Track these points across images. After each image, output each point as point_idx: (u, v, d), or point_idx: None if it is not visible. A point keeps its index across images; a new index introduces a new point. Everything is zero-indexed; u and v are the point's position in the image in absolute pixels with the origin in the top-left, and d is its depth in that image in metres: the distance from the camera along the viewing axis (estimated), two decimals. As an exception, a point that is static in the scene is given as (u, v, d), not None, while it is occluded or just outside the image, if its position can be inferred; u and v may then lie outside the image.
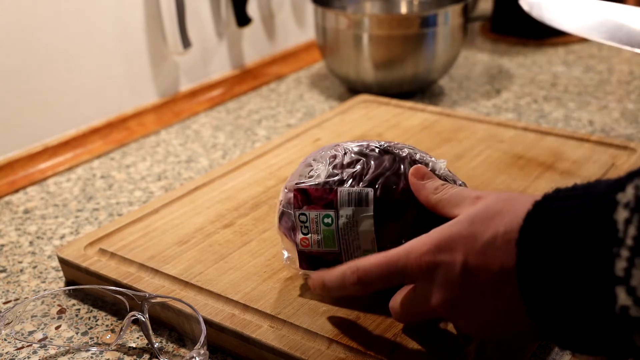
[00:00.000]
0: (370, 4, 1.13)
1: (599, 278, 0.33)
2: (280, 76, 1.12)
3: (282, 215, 0.52)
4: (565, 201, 0.36)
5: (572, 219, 0.34)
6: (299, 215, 0.49)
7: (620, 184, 0.34)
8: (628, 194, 0.33)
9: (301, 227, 0.49)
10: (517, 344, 0.46)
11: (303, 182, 0.50)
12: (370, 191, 0.48)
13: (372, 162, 0.49)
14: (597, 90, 0.99)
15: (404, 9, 1.12)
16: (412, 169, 0.48)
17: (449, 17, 0.95)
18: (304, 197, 0.49)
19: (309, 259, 0.50)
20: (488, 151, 0.74)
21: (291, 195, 0.50)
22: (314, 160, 0.52)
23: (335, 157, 0.51)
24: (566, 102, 0.95)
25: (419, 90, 0.99)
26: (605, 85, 1.00)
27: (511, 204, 0.39)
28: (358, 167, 0.49)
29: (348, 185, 0.49)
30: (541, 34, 1.19)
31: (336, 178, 0.49)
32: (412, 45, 0.94)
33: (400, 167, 0.49)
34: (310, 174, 0.51)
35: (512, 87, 1.02)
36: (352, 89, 1.02)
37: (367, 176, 0.49)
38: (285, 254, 0.52)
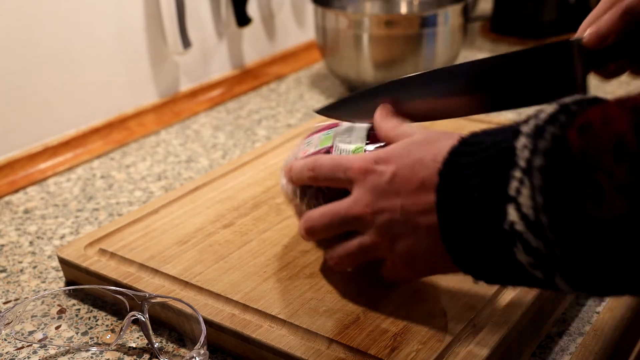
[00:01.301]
0: (370, 4, 1.13)
1: (496, 199, 0.37)
2: (280, 76, 1.12)
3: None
4: (480, 137, 0.40)
5: (482, 150, 0.39)
6: (304, 144, 0.56)
7: (526, 119, 0.38)
8: (530, 124, 0.37)
9: (305, 146, 0.56)
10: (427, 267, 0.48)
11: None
12: (367, 125, 0.55)
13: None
14: (597, 90, 0.99)
15: (404, 9, 1.12)
16: (378, 108, 0.53)
17: (449, 17, 0.95)
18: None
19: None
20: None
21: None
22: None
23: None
24: (566, 102, 0.95)
25: (419, 90, 0.99)
26: (605, 85, 1.00)
27: (445, 137, 0.44)
28: None
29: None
30: (541, 34, 1.19)
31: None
32: (412, 45, 0.94)
33: None
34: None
35: (512, 87, 1.02)
36: (352, 89, 1.02)
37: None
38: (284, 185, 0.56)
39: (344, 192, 0.49)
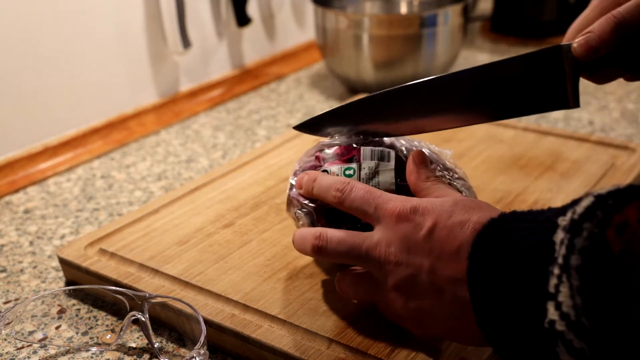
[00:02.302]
0: (370, 4, 1.13)
1: (535, 294, 0.35)
2: (280, 76, 1.12)
3: (289, 202, 0.53)
4: (516, 223, 0.39)
5: (519, 239, 0.37)
6: (326, 157, 0.52)
7: (563, 209, 0.36)
8: (567, 217, 0.35)
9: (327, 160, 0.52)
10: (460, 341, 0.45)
11: (323, 145, 0.53)
12: (392, 151, 0.51)
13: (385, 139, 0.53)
14: (597, 90, 0.99)
15: (404, 9, 1.12)
16: (413, 152, 0.50)
17: (449, 17, 0.95)
18: (326, 157, 0.51)
19: (326, 213, 0.50)
20: (488, 151, 0.74)
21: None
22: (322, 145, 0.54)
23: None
24: (566, 102, 0.95)
25: (419, 90, 0.99)
26: (605, 85, 1.00)
27: (487, 208, 0.43)
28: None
29: (370, 146, 0.51)
30: (541, 34, 1.19)
31: (358, 138, 0.52)
32: (412, 45, 0.94)
33: (413, 144, 0.53)
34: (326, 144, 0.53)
35: (512, 87, 1.02)
36: (352, 89, 1.02)
37: (384, 145, 0.52)
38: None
39: (364, 226, 0.47)
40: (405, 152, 0.52)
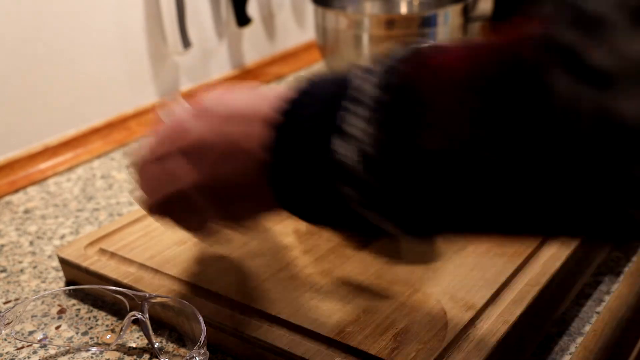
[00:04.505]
0: (370, 4, 1.13)
1: (325, 129, 0.35)
2: (280, 76, 1.12)
3: None
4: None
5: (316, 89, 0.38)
6: None
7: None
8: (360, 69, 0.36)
9: None
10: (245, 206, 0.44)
11: None
12: None
13: None
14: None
15: (404, 9, 1.12)
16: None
17: (449, 17, 0.95)
18: None
19: None
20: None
21: None
22: None
23: None
24: (566, 102, 0.95)
25: (419, 90, 0.99)
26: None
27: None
28: None
29: None
30: (541, 34, 1.19)
31: None
32: (412, 45, 0.94)
33: None
34: None
35: (512, 87, 1.02)
36: (352, 89, 1.02)
37: None
38: None
39: None
40: None
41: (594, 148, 0.28)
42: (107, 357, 0.51)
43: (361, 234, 0.37)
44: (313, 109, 0.37)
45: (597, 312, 0.54)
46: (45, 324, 0.56)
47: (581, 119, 0.28)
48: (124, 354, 0.52)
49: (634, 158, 0.27)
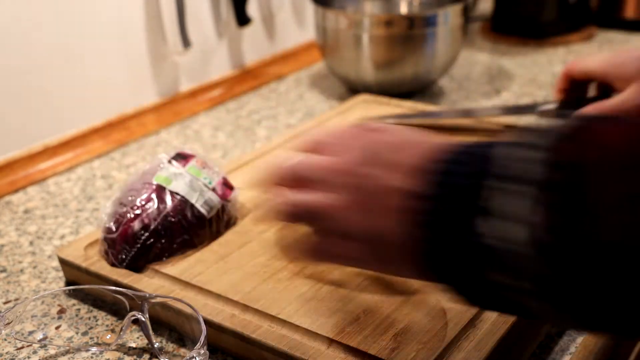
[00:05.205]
0: (370, 4, 1.13)
1: (469, 210, 0.33)
2: (280, 76, 1.12)
3: None
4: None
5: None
6: None
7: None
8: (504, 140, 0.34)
9: None
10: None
11: None
12: None
13: None
14: (597, 90, 0.99)
15: (404, 9, 1.12)
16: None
17: (449, 17, 0.95)
18: None
19: None
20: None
21: None
22: None
23: None
24: (566, 102, 0.95)
25: (418, 90, 0.99)
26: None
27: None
28: None
29: None
30: (541, 34, 1.19)
31: None
32: (412, 45, 0.94)
33: None
34: None
35: (512, 87, 1.02)
36: (352, 89, 1.02)
37: None
38: None
39: None
40: None
41: None
42: (107, 357, 0.51)
43: (525, 316, 0.36)
44: (460, 181, 0.34)
45: (597, 312, 0.54)
46: (45, 324, 0.56)
47: None
48: (124, 354, 0.52)
49: None
